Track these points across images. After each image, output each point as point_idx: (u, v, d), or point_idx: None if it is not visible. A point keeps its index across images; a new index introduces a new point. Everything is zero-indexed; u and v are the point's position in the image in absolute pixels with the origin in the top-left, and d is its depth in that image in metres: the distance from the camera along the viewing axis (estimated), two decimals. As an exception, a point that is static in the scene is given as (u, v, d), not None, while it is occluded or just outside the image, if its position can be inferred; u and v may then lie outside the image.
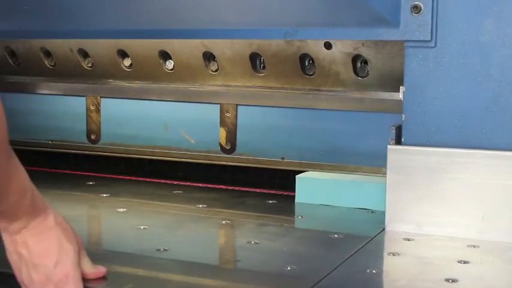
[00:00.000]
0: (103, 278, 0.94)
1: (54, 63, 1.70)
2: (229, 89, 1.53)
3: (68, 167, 1.75)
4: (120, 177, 1.66)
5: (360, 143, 1.43)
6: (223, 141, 1.56)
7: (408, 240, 1.15)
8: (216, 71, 1.52)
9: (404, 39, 1.18)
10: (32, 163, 1.74)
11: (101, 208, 1.37)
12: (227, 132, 1.55)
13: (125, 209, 1.34)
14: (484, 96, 1.15)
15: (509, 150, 1.14)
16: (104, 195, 1.47)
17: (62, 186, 1.56)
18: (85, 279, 0.92)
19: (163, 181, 1.62)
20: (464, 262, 1.04)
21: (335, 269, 1.00)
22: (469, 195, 1.15)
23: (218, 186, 1.57)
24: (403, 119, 1.20)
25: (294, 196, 1.42)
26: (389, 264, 1.06)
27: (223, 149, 1.56)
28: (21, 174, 0.86)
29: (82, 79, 1.69)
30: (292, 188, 1.43)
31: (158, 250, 1.08)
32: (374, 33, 1.21)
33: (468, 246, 1.12)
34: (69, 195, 1.47)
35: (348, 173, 1.44)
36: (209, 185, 1.58)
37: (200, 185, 1.58)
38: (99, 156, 1.73)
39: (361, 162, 1.43)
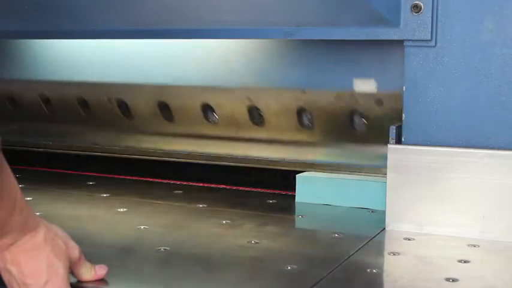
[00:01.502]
0: (104, 279, 0.94)
1: (90, 112, 1.70)
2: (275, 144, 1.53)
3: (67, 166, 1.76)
4: (121, 177, 1.66)
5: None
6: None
7: (408, 239, 1.15)
8: (261, 124, 1.52)
9: (404, 38, 1.18)
10: (31, 163, 1.77)
11: (101, 208, 1.37)
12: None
13: (125, 209, 1.34)
14: (485, 95, 1.15)
15: (510, 150, 1.14)
16: (104, 195, 1.47)
17: (62, 186, 1.56)
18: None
19: (163, 181, 1.62)
20: (465, 261, 1.04)
21: (335, 268, 1.00)
22: (469, 194, 1.15)
23: (218, 186, 1.57)
24: (403, 118, 1.20)
25: (294, 195, 1.42)
26: (389, 263, 1.06)
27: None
28: (12, 189, 0.85)
29: (120, 130, 1.69)
30: (292, 187, 1.43)
31: (158, 250, 1.08)
32: (374, 33, 1.21)
33: (468, 245, 1.12)
34: (69, 195, 1.47)
35: (348, 173, 1.44)
36: (209, 185, 1.58)
37: (200, 184, 1.58)
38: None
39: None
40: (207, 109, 1.57)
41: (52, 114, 1.76)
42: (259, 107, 1.50)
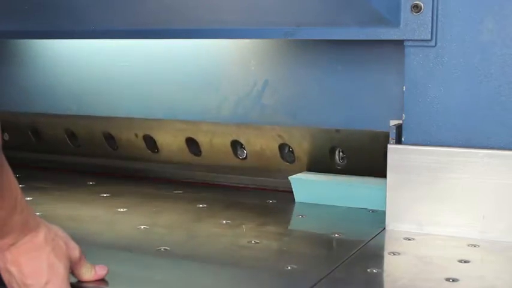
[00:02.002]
0: (104, 279, 0.94)
1: (117, 147, 1.69)
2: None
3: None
4: (121, 176, 1.66)
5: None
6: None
7: (409, 239, 1.15)
8: (293, 162, 1.50)
9: (405, 38, 1.18)
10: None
11: (101, 208, 1.37)
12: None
13: (125, 209, 1.34)
14: (485, 95, 1.15)
15: (510, 150, 1.13)
16: (104, 195, 1.47)
17: (62, 186, 1.56)
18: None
19: (163, 180, 1.62)
20: (465, 261, 1.04)
21: (335, 268, 1.00)
22: (469, 194, 1.15)
23: (218, 186, 1.57)
24: (403, 118, 1.20)
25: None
26: (389, 263, 1.06)
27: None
28: (13, 189, 0.84)
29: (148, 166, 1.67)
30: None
31: (158, 250, 1.08)
32: (374, 33, 1.21)
33: (469, 245, 1.12)
34: (69, 195, 1.47)
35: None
36: (209, 185, 1.58)
37: (200, 184, 1.58)
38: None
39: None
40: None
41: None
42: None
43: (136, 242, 1.15)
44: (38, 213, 1.25)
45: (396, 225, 1.20)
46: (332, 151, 1.45)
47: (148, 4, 1.40)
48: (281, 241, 1.15)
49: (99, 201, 1.42)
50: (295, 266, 1.00)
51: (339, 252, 1.09)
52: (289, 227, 1.30)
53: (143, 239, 1.16)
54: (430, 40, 1.17)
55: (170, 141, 1.61)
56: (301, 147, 1.47)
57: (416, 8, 1.16)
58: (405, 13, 1.17)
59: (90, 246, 1.08)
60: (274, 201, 1.43)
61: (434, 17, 1.16)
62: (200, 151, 1.59)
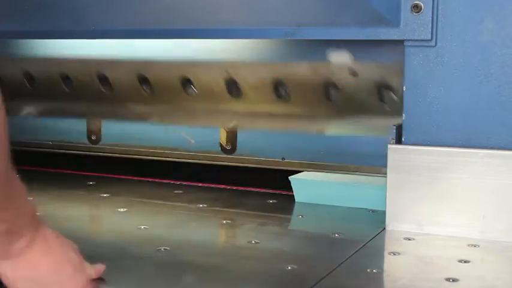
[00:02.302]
0: (103, 278, 0.94)
1: (72, 88, 1.70)
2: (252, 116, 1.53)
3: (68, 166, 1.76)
4: (121, 177, 1.66)
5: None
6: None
7: (409, 239, 1.15)
8: (239, 96, 1.52)
9: (405, 38, 1.18)
10: (32, 163, 1.77)
11: (102, 208, 1.37)
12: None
13: (125, 209, 1.34)
14: (485, 95, 1.15)
15: (510, 150, 1.13)
16: (105, 195, 1.47)
17: (62, 186, 1.56)
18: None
19: (164, 181, 1.62)
20: (465, 261, 1.04)
21: (336, 268, 1.00)
22: (469, 194, 1.15)
23: (219, 186, 1.57)
24: (403, 118, 1.20)
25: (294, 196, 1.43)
26: (389, 263, 1.06)
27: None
28: (22, 196, 0.83)
29: (100, 103, 1.69)
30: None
31: (159, 250, 1.08)
32: (374, 33, 1.21)
33: (469, 245, 1.12)
34: (69, 195, 1.47)
35: (346, 173, 1.44)
36: (210, 185, 1.58)
37: (201, 184, 1.58)
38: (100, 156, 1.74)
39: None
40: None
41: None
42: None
43: (136, 242, 1.15)
44: (37, 214, 1.26)
45: (396, 225, 1.20)
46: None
47: (149, 4, 1.40)
48: (281, 241, 1.15)
49: (99, 201, 1.42)
50: (295, 266, 1.00)
51: (339, 252, 1.09)
52: (289, 227, 1.30)
53: (143, 239, 1.16)
54: (430, 40, 1.17)
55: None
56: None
57: (416, 8, 1.16)
58: (405, 13, 1.17)
59: (90, 246, 1.08)
60: (275, 201, 1.43)
61: (435, 17, 1.16)
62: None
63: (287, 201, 1.43)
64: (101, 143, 1.72)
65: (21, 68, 1.76)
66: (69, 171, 1.73)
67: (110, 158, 1.72)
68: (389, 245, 1.14)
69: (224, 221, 1.26)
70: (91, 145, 1.73)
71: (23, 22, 1.55)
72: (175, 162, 1.63)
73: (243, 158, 1.55)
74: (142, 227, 1.22)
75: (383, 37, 1.21)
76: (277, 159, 1.51)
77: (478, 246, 1.11)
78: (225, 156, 1.56)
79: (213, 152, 1.57)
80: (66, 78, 1.71)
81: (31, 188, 1.46)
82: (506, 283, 0.96)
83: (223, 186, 1.57)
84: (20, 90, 1.77)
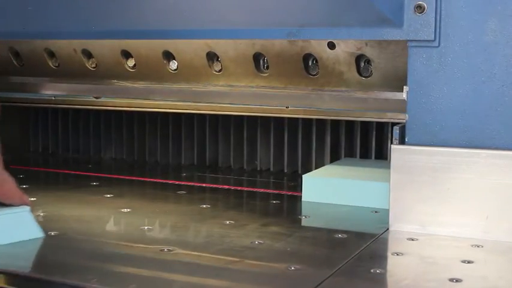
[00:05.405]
0: (105, 278, 0.94)
1: (58, 64, 1.70)
2: (233, 89, 1.52)
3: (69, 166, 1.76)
4: (124, 177, 1.66)
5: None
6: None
7: (412, 240, 1.15)
8: (220, 71, 1.52)
9: (408, 39, 1.18)
10: (33, 162, 1.77)
11: (105, 208, 1.37)
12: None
13: (128, 210, 1.34)
14: (488, 95, 1.15)
15: (513, 150, 1.13)
16: (108, 195, 1.47)
17: (65, 186, 1.57)
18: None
19: (167, 181, 1.62)
20: (469, 262, 1.04)
21: (339, 268, 1.00)
22: (473, 195, 1.15)
23: (222, 187, 1.57)
24: (406, 118, 1.20)
25: (298, 196, 1.43)
26: (393, 264, 1.06)
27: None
28: None
29: (86, 79, 1.69)
30: (296, 188, 1.43)
31: (162, 250, 1.08)
32: (377, 33, 1.21)
33: (472, 246, 1.12)
34: (72, 196, 1.47)
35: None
36: (213, 185, 1.58)
37: (204, 185, 1.59)
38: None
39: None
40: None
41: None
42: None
43: (139, 242, 1.15)
44: (41, 214, 1.27)
45: (399, 225, 1.20)
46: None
47: (149, 4, 1.40)
48: (284, 241, 1.15)
49: (103, 202, 1.42)
50: (298, 267, 1.00)
51: (342, 252, 1.08)
52: (293, 228, 1.30)
53: (146, 239, 1.17)
54: (434, 40, 1.17)
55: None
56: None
57: (419, 8, 1.16)
58: (408, 13, 1.17)
59: (94, 246, 1.08)
60: (278, 201, 1.43)
61: (438, 18, 1.16)
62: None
63: (290, 201, 1.43)
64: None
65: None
66: (72, 172, 1.73)
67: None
68: (393, 246, 1.14)
69: (227, 222, 1.26)
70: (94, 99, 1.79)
71: (27, 23, 1.56)
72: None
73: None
74: (146, 227, 1.22)
75: (386, 37, 1.21)
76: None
77: (482, 246, 1.11)
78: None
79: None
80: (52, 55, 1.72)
81: (34, 188, 1.48)
82: (509, 283, 0.96)
83: (226, 186, 1.57)
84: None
